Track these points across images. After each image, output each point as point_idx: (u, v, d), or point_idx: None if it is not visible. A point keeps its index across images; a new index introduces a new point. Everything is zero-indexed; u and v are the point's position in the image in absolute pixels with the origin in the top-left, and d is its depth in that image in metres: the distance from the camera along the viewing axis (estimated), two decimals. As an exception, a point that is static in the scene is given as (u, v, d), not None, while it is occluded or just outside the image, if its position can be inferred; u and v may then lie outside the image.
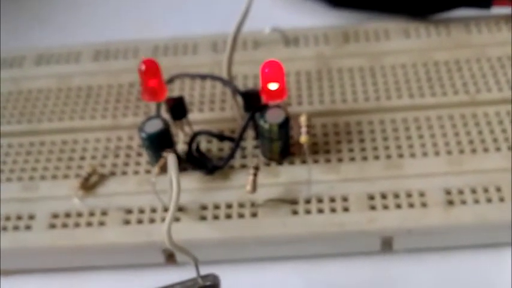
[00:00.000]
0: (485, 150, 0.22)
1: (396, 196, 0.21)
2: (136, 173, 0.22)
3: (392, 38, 0.26)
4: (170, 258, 0.21)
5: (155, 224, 0.21)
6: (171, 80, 0.23)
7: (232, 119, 0.23)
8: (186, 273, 0.18)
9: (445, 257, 0.21)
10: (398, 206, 0.20)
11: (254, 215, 0.21)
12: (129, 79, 0.25)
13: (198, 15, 0.30)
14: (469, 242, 0.21)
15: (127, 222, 0.21)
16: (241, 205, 0.21)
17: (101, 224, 0.21)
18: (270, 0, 0.30)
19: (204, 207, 0.21)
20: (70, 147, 0.23)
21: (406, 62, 0.25)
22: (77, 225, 0.21)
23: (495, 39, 0.25)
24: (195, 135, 0.22)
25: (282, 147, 0.22)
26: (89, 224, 0.21)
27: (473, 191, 0.21)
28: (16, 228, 0.21)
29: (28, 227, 0.21)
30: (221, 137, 0.22)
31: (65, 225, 0.21)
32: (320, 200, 0.21)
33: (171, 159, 0.18)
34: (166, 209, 0.21)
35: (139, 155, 0.23)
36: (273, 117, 0.21)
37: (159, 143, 0.21)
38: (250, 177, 0.20)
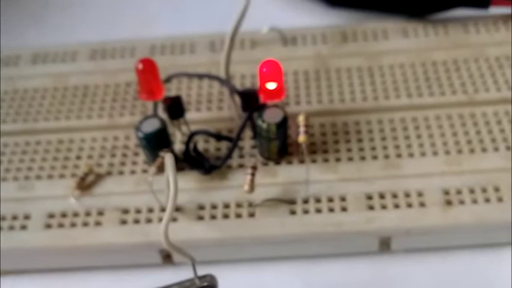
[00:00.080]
0: (484, 150, 0.22)
1: (394, 196, 0.21)
2: (133, 172, 0.22)
3: (390, 37, 0.26)
4: (167, 258, 0.21)
5: (152, 224, 0.21)
6: (168, 80, 0.23)
7: (230, 119, 0.23)
8: (183, 274, 0.18)
9: (444, 257, 0.21)
10: (397, 206, 0.20)
11: (252, 214, 0.21)
12: (126, 78, 0.25)
13: (195, 15, 0.30)
14: (468, 242, 0.21)
15: (124, 222, 0.21)
16: (238, 205, 0.21)
17: (98, 224, 0.21)
18: (268, -1, 0.30)
19: (201, 207, 0.21)
20: (66, 147, 0.23)
21: (404, 61, 0.25)
22: (73, 225, 0.21)
23: (493, 39, 0.25)
24: (192, 135, 0.22)
25: (280, 147, 0.22)
26: (85, 224, 0.21)
27: (472, 191, 0.20)
28: (11, 228, 0.21)
29: (24, 227, 0.21)
30: (219, 136, 0.22)
31: (61, 225, 0.21)
32: (318, 200, 0.21)
33: (168, 159, 0.18)
34: (163, 209, 0.21)
35: (136, 154, 0.23)
36: (271, 117, 0.21)
37: (156, 143, 0.21)
38: (248, 177, 0.20)
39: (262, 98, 0.21)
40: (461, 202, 0.20)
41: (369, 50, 0.25)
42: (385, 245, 0.21)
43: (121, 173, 0.22)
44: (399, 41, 0.26)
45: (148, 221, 0.21)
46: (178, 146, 0.23)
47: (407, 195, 0.21)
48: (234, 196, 0.21)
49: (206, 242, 0.20)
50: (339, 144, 0.22)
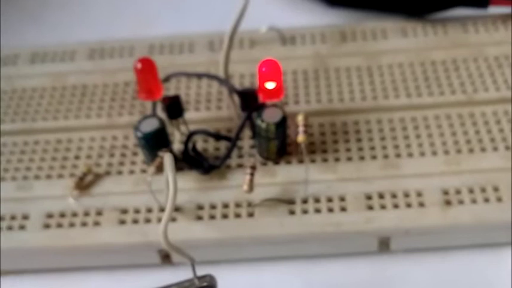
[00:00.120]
0: (483, 150, 0.22)
1: (394, 196, 0.21)
2: (131, 172, 0.22)
3: (389, 37, 0.26)
4: (166, 258, 0.21)
5: (151, 224, 0.21)
6: (167, 79, 0.23)
7: (229, 118, 0.23)
8: (182, 274, 0.18)
9: (443, 257, 0.21)
10: (396, 206, 0.20)
11: (251, 214, 0.21)
12: (124, 78, 0.25)
13: (194, 14, 0.30)
14: (467, 242, 0.21)
15: (122, 222, 0.21)
16: (238, 205, 0.21)
17: (96, 224, 0.21)
18: (267, -1, 0.30)
19: (200, 207, 0.21)
20: (65, 147, 0.23)
21: (403, 61, 0.25)
22: (71, 225, 0.21)
23: (492, 38, 0.25)
24: (191, 135, 0.22)
25: (279, 146, 0.21)
26: (84, 224, 0.21)
27: (471, 191, 0.20)
28: (10, 228, 0.21)
29: (22, 227, 0.21)
30: (217, 136, 0.22)
31: (59, 225, 0.21)
32: (317, 200, 0.21)
33: (167, 158, 0.18)
34: (162, 209, 0.21)
35: (134, 154, 0.23)
36: (270, 117, 0.21)
37: (154, 142, 0.21)
38: (247, 177, 0.20)
39: (261, 98, 0.21)
40: (461, 202, 0.20)
41: (368, 50, 0.25)
42: (384, 245, 0.21)
43: (120, 172, 0.22)
44: (398, 40, 0.26)
45: (147, 221, 0.21)
46: (177, 146, 0.22)
47: (406, 195, 0.21)
48: (233, 196, 0.21)
49: (205, 242, 0.20)
50: (338, 144, 0.22)
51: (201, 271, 0.18)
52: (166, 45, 0.26)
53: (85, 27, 0.30)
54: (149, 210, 0.21)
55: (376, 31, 0.26)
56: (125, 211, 0.21)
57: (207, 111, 0.24)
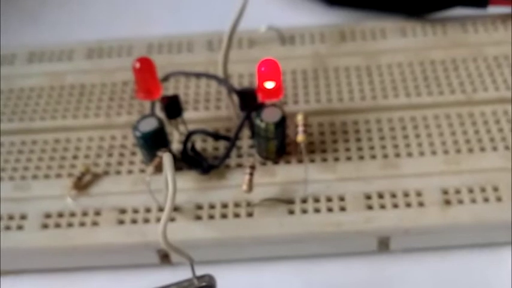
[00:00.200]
0: (482, 149, 0.22)
1: (393, 196, 0.21)
2: (130, 172, 0.22)
3: (388, 37, 0.26)
4: (165, 258, 0.21)
5: (150, 224, 0.21)
6: (165, 78, 0.22)
7: (228, 118, 0.23)
8: (181, 274, 0.18)
9: (442, 257, 0.21)
10: (395, 206, 0.20)
11: (250, 214, 0.20)
12: (123, 77, 0.25)
13: (193, 13, 0.30)
14: (467, 241, 0.21)
15: (121, 222, 0.21)
16: (237, 205, 0.21)
17: (95, 224, 0.21)
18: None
19: (199, 207, 0.21)
20: (63, 146, 0.23)
21: (402, 61, 0.25)
22: (70, 225, 0.21)
23: (492, 38, 0.25)
24: (190, 134, 0.22)
25: (278, 146, 0.21)
26: (82, 224, 0.21)
27: (471, 191, 0.20)
28: (8, 228, 0.21)
29: (20, 227, 0.21)
30: (216, 136, 0.22)
31: (57, 225, 0.21)
32: (317, 200, 0.21)
33: (166, 158, 0.18)
34: (161, 209, 0.21)
35: (133, 154, 0.23)
36: (269, 116, 0.21)
37: (153, 142, 0.21)
38: (246, 177, 0.20)
39: (260, 97, 0.21)
40: (460, 202, 0.20)
41: (367, 49, 0.25)
42: (383, 245, 0.21)
43: (118, 172, 0.22)
44: (397, 40, 0.26)
45: (146, 221, 0.21)
46: (176, 146, 0.22)
47: (406, 194, 0.21)
48: (232, 196, 0.21)
49: (204, 241, 0.20)
50: (337, 143, 0.22)
51: (200, 271, 0.18)
52: (165, 45, 0.26)
53: (83, 26, 0.29)
54: (148, 210, 0.21)
55: (376, 31, 0.26)
56: (123, 211, 0.21)
57: (206, 110, 0.24)
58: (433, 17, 0.26)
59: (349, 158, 0.22)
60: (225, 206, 0.21)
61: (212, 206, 0.21)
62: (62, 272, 0.21)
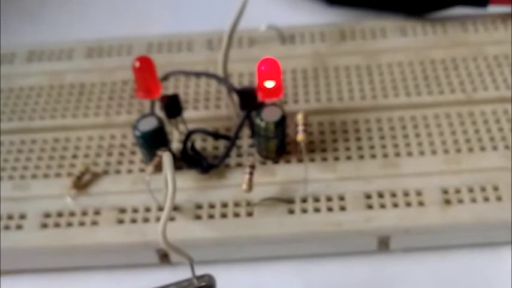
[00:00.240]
0: (482, 149, 0.22)
1: (393, 195, 0.21)
2: (130, 171, 0.22)
3: (389, 36, 0.26)
4: (164, 258, 0.21)
5: (149, 223, 0.20)
6: (165, 78, 0.22)
7: (228, 117, 0.23)
8: (181, 274, 0.18)
9: (443, 256, 0.21)
10: (395, 205, 0.20)
11: (250, 214, 0.20)
12: (122, 76, 0.25)
13: (193, 12, 0.30)
14: (467, 241, 0.21)
15: (120, 221, 0.21)
16: (237, 204, 0.21)
17: (94, 223, 0.21)
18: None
19: (199, 207, 0.21)
20: (62, 146, 0.23)
21: (402, 60, 0.25)
22: (69, 224, 0.21)
23: (492, 37, 0.25)
24: (189, 134, 0.22)
25: (278, 145, 0.21)
26: (82, 224, 0.21)
27: (471, 190, 0.20)
28: (7, 227, 0.21)
29: (19, 227, 0.21)
30: (216, 135, 0.22)
31: (57, 225, 0.21)
32: (317, 199, 0.21)
33: (166, 157, 0.18)
34: (160, 208, 0.21)
35: (133, 153, 0.23)
36: (269, 116, 0.21)
37: (153, 141, 0.21)
38: (246, 176, 0.20)
39: (260, 97, 0.21)
40: (460, 201, 0.20)
41: (368, 49, 0.25)
42: (383, 244, 0.21)
43: (118, 172, 0.22)
44: (398, 39, 0.26)
45: (146, 220, 0.21)
46: (176, 145, 0.22)
47: (406, 194, 0.20)
48: (232, 195, 0.21)
49: (204, 241, 0.20)
50: (337, 143, 0.22)
51: (200, 271, 0.18)
52: (164, 44, 0.26)
53: (83, 25, 0.29)
54: (147, 210, 0.21)
55: (376, 30, 0.26)
56: (123, 210, 0.21)
57: (206, 110, 0.24)
58: (433, 16, 0.26)
59: (349, 158, 0.22)
60: (224, 205, 0.21)
61: (212, 206, 0.21)
62: (61, 272, 0.21)
